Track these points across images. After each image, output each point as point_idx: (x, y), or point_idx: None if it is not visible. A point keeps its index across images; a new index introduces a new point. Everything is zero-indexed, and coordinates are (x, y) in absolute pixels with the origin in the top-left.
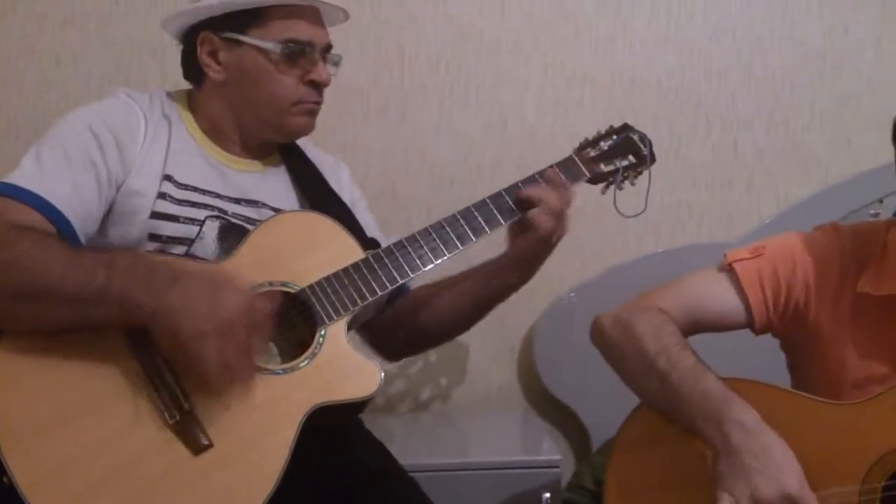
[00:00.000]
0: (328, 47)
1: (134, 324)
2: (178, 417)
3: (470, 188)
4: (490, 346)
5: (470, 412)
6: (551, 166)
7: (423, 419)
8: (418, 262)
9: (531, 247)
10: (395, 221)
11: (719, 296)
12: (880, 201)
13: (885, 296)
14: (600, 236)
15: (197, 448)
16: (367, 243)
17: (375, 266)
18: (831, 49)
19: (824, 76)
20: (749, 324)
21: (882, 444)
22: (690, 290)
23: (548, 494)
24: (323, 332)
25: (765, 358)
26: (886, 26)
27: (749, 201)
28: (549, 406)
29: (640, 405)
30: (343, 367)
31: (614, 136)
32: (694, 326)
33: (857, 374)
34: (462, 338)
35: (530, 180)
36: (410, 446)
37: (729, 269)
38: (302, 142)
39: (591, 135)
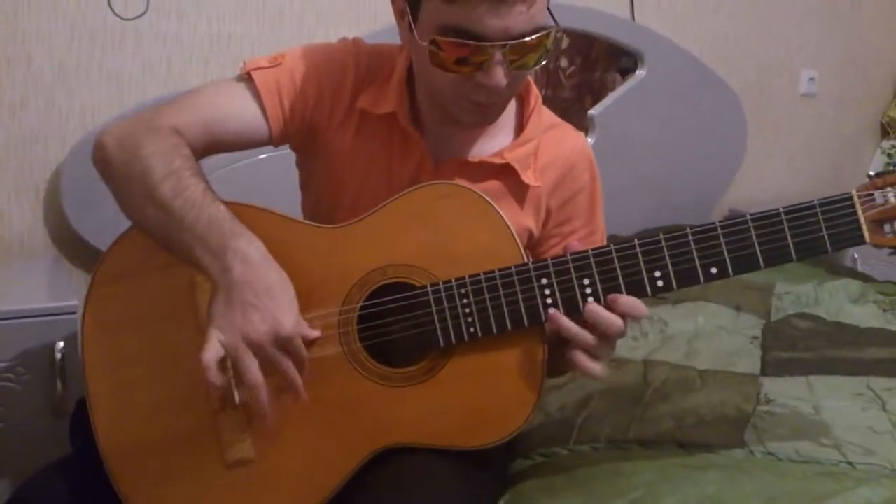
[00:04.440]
0: None
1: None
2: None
3: None
4: (10, 185)
5: None
6: None
7: None
8: None
9: None
10: None
11: (238, 108)
12: None
13: (383, 114)
14: (141, 65)
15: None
16: None
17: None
18: None
19: None
20: (268, 137)
21: (363, 265)
22: (207, 103)
23: (62, 343)
24: None
25: None
26: None
27: (300, 35)
28: (79, 250)
29: (123, 235)
30: None
31: None
32: (212, 145)
33: (355, 194)
34: None
35: None
36: None
37: (247, 79)
38: None
39: None
